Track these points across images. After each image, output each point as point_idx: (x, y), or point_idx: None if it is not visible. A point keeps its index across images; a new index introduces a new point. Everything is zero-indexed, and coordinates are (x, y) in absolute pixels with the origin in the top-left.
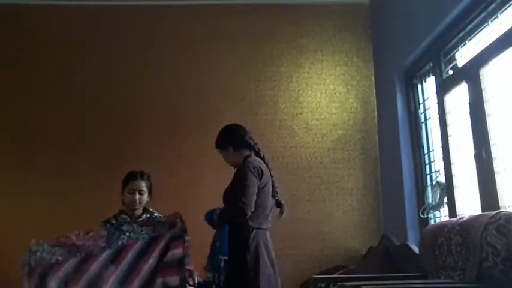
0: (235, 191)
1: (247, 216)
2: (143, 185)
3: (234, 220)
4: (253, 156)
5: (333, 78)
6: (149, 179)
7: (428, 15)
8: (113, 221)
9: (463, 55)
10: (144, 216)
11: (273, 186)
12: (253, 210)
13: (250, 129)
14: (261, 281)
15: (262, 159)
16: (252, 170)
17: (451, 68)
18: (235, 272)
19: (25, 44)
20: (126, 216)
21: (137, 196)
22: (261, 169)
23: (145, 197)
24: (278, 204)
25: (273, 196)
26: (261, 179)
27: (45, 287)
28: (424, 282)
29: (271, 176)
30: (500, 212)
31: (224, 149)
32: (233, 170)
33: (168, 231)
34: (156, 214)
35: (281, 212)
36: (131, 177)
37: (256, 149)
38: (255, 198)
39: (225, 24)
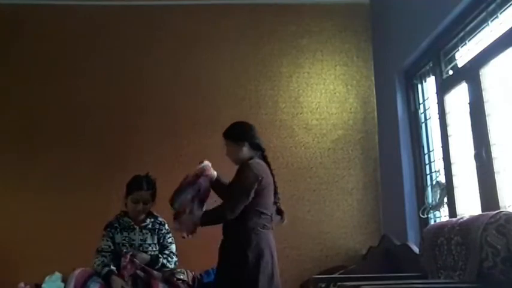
0: (230, 192)
1: (231, 218)
2: (148, 195)
3: (216, 222)
4: (258, 160)
5: (333, 78)
6: (154, 186)
7: (428, 15)
8: (116, 224)
9: (463, 55)
10: (148, 220)
11: (275, 193)
12: (235, 215)
13: None
14: (261, 280)
15: (268, 165)
16: (255, 172)
17: (451, 68)
18: (236, 270)
19: (25, 44)
20: (130, 220)
21: (141, 206)
22: (262, 176)
23: (149, 205)
24: (279, 211)
25: (275, 203)
26: (260, 183)
27: None
28: (424, 282)
29: (275, 183)
30: (500, 212)
31: (236, 142)
32: (233, 168)
33: None
34: (160, 219)
35: (282, 219)
36: (136, 187)
37: (265, 154)
38: (245, 202)
39: (225, 24)
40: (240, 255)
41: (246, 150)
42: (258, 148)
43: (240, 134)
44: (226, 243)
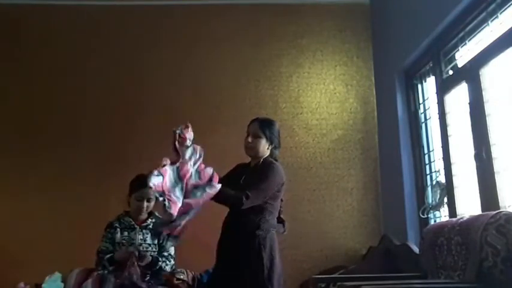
0: (253, 183)
1: (241, 208)
2: (152, 193)
3: (229, 205)
4: (278, 163)
5: (333, 78)
6: None
7: (428, 15)
8: (116, 224)
9: (463, 55)
10: (149, 220)
11: (281, 200)
12: (246, 207)
13: None
14: (275, 280)
15: None
16: (280, 177)
17: (451, 68)
18: (251, 270)
19: (25, 44)
20: (131, 219)
21: (145, 204)
22: (283, 182)
23: (153, 203)
24: (280, 219)
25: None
26: (280, 187)
27: None
28: (424, 282)
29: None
30: (500, 212)
31: (268, 138)
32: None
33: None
34: None
35: (284, 228)
36: (141, 184)
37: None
38: (258, 203)
39: (225, 24)
40: (255, 258)
41: (268, 152)
42: (276, 154)
43: (274, 134)
44: (238, 243)
